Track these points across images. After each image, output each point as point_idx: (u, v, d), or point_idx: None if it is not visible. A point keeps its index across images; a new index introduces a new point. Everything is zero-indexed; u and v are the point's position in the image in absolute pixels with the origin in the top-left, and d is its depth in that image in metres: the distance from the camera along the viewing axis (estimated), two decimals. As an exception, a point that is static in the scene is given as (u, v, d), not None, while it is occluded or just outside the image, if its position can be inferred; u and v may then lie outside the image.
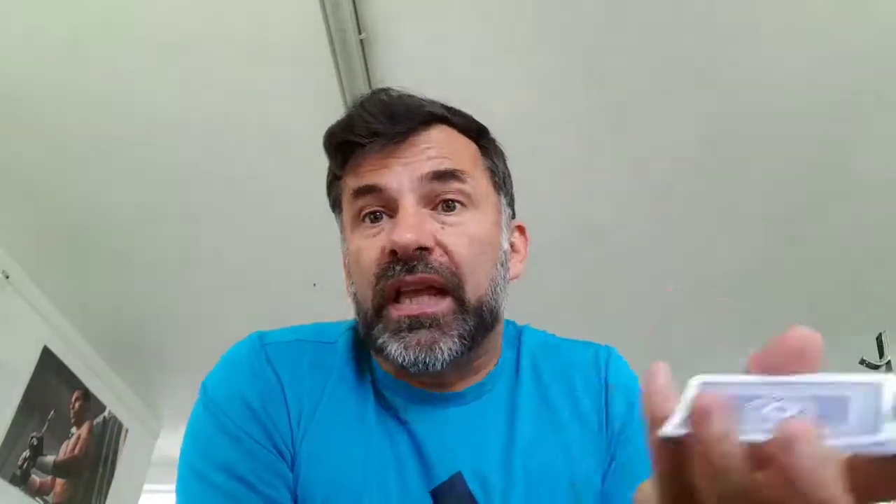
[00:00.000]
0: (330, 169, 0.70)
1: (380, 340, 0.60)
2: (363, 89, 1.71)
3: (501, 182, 0.70)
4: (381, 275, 0.60)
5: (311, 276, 2.53)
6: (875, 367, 2.07)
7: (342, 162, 0.66)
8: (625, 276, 2.49)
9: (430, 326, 0.59)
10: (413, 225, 0.59)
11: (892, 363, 2.04)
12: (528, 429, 0.64)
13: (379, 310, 0.61)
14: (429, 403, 0.65)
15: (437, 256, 0.60)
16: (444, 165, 0.62)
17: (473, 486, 0.60)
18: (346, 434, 0.63)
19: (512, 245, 0.71)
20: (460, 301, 0.60)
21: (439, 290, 0.60)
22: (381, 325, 0.60)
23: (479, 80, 1.78)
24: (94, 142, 1.98)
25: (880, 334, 2.12)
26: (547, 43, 1.74)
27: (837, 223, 2.29)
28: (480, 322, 0.61)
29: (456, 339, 0.59)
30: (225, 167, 2.08)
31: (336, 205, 0.72)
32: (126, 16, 1.65)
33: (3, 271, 2.33)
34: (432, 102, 0.67)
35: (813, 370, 0.23)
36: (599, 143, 2.03)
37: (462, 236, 0.61)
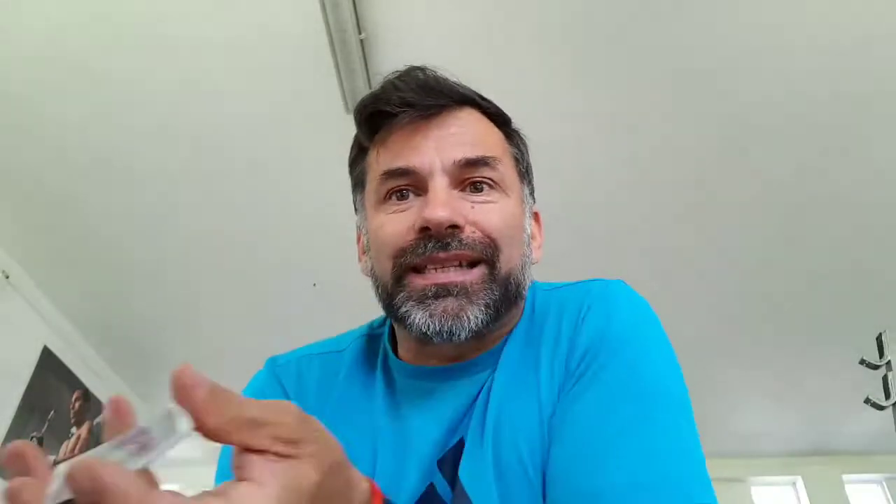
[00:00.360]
0: (354, 144, 0.70)
1: (402, 309, 0.59)
2: (363, 89, 1.71)
3: (525, 170, 0.70)
4: (409, 250, 0.60)
5: (310, 276, 2.53)
6: (875, 367, 2.07)
7: (371, 133, 0.66)
8: (624, 275, 2.49)
9: (458, 294, 0.58)
10: (445, 203, 0.59)
11: (892, 363, 2.04)
12: (500, 392, 0.62)
13: (399, 279, 0.60)
14: (443, 379, 0.64)
15: (469, 233, 0.60)
16: (477, 152, 0.63)
17: (466, 446, 0.60)
18: (351, 432, 0.63)
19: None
20: (492, 269, 0.60)
21: (470, 263, 0.60)
22: (403, 294, 0.60)
23: (480, 79, 1.78)
24: (95, 143, 1.98)
25: (880, 334, 2.11)
26: (548, 42, 1.75)
27: (837, 223, 2.29)
28: (506, 294, 0.61)
29: (482, 308, 0.59)
30: (225, 168, 2.08)
31: (359, 182, 0.70)
32: (125, 17, 1.65)
33: (3, 271, 2.33)
34: (463, 85, 0.67)
35: (131, 424, 0.31)
36: (600, 143, 2.03)
37: (493, 213, 0.62)
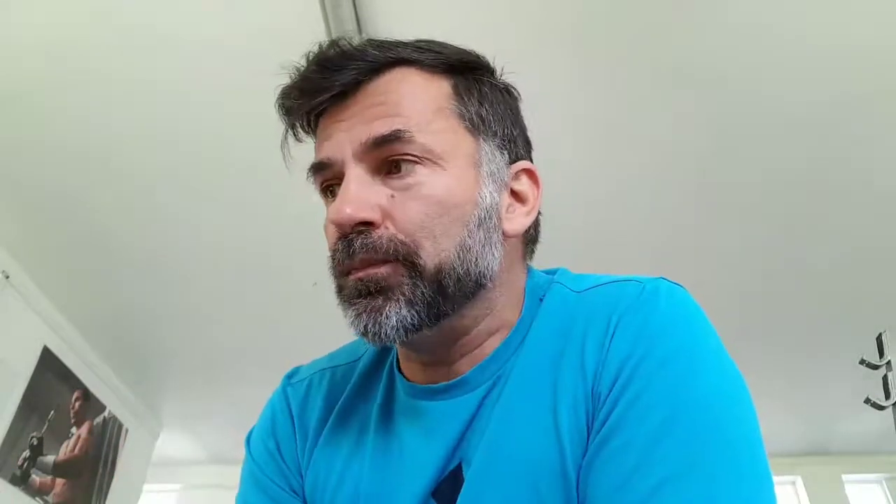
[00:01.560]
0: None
1: (343, 312, 0.56)
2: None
3: (479, 124, 0.58)
4: (332, 256, 0.55)
5: (310, 276, 2.53)
6: (875, 367, 2.07)
7: (293, 127, 0.61)
8: (625, 271, 2.49)
9: (376, 292, 0.52)
10: (352, 198, 0.52)
11: (892, 363, 2.03)
12: (504, 408, 0.54)
13: (338, 283, 0.56)
14: (434, 398, 0.58)
15: (382, 231, 0.52)
16: (384, 129, 0.53)
17: (467, 476, 0.54)
18: (347, 449, 0.62)
19: (517, 194, 0.60)
20: (412, 266, 0.52)
21: (383, 263, 0.53)
22: (341, 296, 0.56)
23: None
24: (95, 143, 1.98)
25: (880, 334, 2.11)
26: (548, 42, 1.74)
27: (838, 223, 2.29)
28: (441, 291, 0.53)
29: (403, 304, 0.52)
30: (225, 168, 2.08)
31: None
32: (125, 17, 1.65)
33: (3, 271, 2.33)
34: (389, 45, 0.57)
35: None
36: (600, 142, 2.03)
37: (413, 201, 0.53)
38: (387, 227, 0.53)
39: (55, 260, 2.46)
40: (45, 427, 2.60)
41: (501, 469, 0.51)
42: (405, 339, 0.53)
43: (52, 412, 2.64)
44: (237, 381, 3.29)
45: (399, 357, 0.64)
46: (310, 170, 0.59)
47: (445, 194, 0.54)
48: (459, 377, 0.58)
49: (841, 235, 2.34)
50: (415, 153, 0.54)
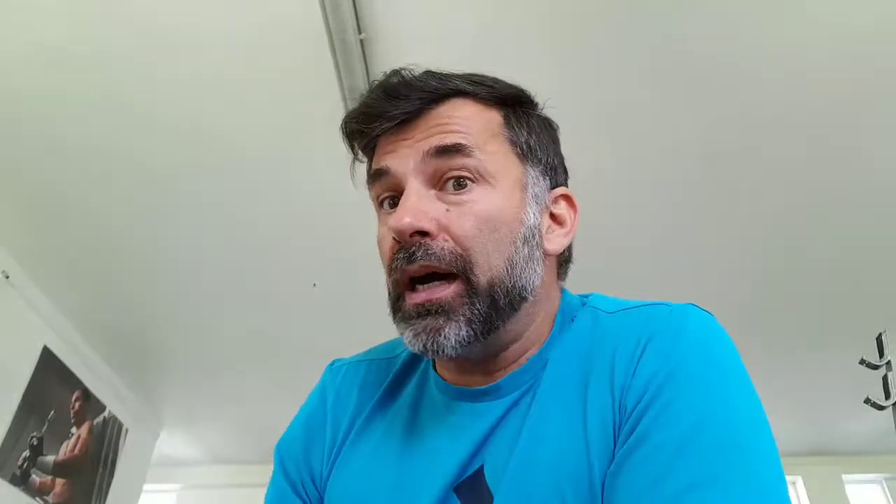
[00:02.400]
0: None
1: (399, 329, 0.59)
2: (363, 89, 1.71)
3: (527, 151, 0.64)
4: (391, 266, 0.58)
5: (310, 277, 2.53)
6: (875, 367, 2.07)
7: (359, 150, 0.65)
8: (625, 272, 2.49)
9: (436, 313, 0.56)
10: (411, 208, 0.56)
11: (892, 363, 2.03)
12: (535, 420, 0.57)
13: (397, 299, 0.59)
14: (465, 399, 0.62)
15: (440, 241, 0.56)
16: (448, 140, 0.59)
17: (491, 482, 0.56)
18: (380, 445, 0.64)
19: (555, 217, 0.65)
20: (469, 284, 0.56)
21: (446, 275, 0.56)
22: (399, 315, 0.58)
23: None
24: (95, 143, 1.98)
25: (880, 334, 2.11)
26: (548, 42, 1.75)
27: (838, 223, 2.29)
28: (493, 304, 0.57)
29: (463, 325, 0.55)
30: (225, 167, 2.08)
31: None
32: (125, 16, 1.65)
33: (3, 271, 2.33)
34: (447, 77, 0.63)
35: None
36: (600, 142, 2.03)
37: (468, 216, 0.57)
38: (445, 239, 0.56)
39: (55, 260, 2.46)
40: (45, 427, 2.60)
41: (531, 478, 0.54)
42: (458, 354, 0.56)
43: (52, 412, 2.64)
44: (237, 382, 3.29)
45: (436, 360, 0.67)
46: (369, 179, 0.62)
47: (497, 212, 0.58)
48: (493, 384, 0.61)
49: (841, 235, 2.34)
50: (471, 169, 0.59)
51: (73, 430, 2.81)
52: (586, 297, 0.68)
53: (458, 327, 0.55)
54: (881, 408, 1.98)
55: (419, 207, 0.56)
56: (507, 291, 0.57)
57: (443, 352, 0.55)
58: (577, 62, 1.79)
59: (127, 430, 3.26)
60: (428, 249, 0.56)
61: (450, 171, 0.58)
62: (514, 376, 0.60)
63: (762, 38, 1.71)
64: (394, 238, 0.57)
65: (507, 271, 0.58)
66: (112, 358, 3.05)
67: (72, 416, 2.80)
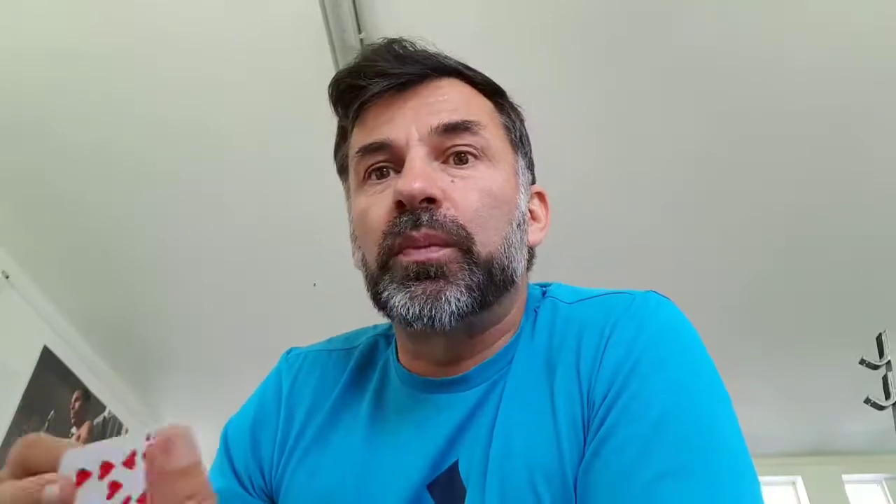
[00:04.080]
0: (338, 129, 0.66)
1: (385, 293, 0.55)
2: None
3: (518, 141, 0.64)
4: (388, 231, 0.55)
5: (311, 276, 2.53)
6: (875, 367, 2.07)
7: (347, 109, 0.62)
8: (623, 271, 2.49)
9: (436, 276, 0.53)
10: (420, 174, 0.54)
11: (892, 363, 2.04)
12: (506, 413, 0.55)
13: (384, 265, 0.56)
14: (433, 391, 0.60)
15: (445, 210, 0.55)
16: (456, 117, 0.58)
17: (465, 477, 0.54)
18: (344, 442, 0.61)
19: (531, 213, 0.65)
20: (468, 252, 0.55)
21: (443, 244, 0.54)
22: (387, 277, 0.55)
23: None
24: (95, 143, 1.98)
25: (880, 334, 2.12)
26: (549, 42, 1.75)
27: (838, 223, 2.29)
28: (490, 277, 0.55)
29: (464, 290, 0.53)
30: (225, 167, 2.09)
31: (343, 168, 0.66)
32: (125, 16, 1.65)
33: (3, 271, 2.33)
34: (447, 56, 0.62)
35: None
36: (602, 139, 2.03)
37: (472, 190, 0.56)
38: (448, 208, 0.55)
39: (55, 260, 2.46)
40: (45, 427, 2.60)
41: (505, 472, 0.52)
42: (453, 326, 0.54)
43: (52, 412, 2.64)
44: (237, 382, 3.29)
45: (400, 350, 0.65)
46: (361, 150, 0.59)
47: (499, 190, 0.58)
48: (462, 374, 0.59)
49: (841, 235, 2.34)
50: (477, 147, 0.58)
51: (73, 430, 2.81)
52: (545, 286, 0.67)
53: (460, 292, 0.53)
54: (881, 408, 1.98)
55: (427, 173, 0.55)
56: (503, 269, 0.57)
57: (440, 319, 0.53)
58: (577, 62, 1.79)
59: (127, 431, 3.26)
60: (434, 215, 0.54)
61: (455, 147, 0.58)
62: (483, 367, 0.59)
63: (762, 37, 1.71)
64: (397, 203, 0.55)
65: (504, 250, 0.57)
66: (112, 358, 3.05)
67: (72, 416, 2.79)
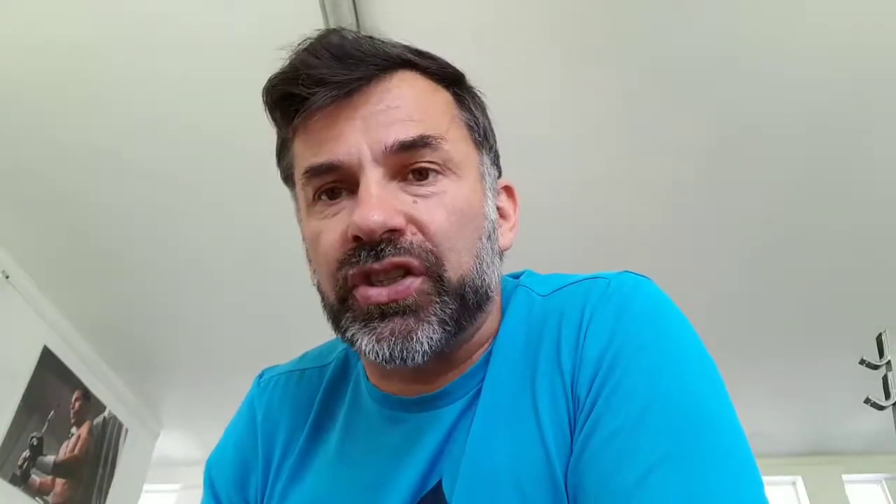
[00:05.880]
0: (278, 138, 0.59)
1: (349, 333, 0.51)
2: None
3: (482, 138, 0.58)
4: (345, 261, 0.50)
5: (311, 276, 2.53)
6: (875, 367, 2.07)
7: (285, 119, 0.54)
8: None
9: (404, 313, 0.49)
10: (378, 204, 0.48)
11: (892, 363, 2.03)
12: (482, 424, 0.52)
13: (343, 299, 0.51)
14: (410, 410, 0.56)
15: (409, 236, 0.49)
16: (413, 132, 0.51)
17: (449, 495, 0.51)
18: (321, 475, 0.58)
19: (500, 210, 0.60)
20: (438, 280, 0.50)
21: (411, 271, 0.49)
22: (348, 315, 0.51)
23: (480, 78, 1.78)
24: (95, 143, 1.98)
25: (880, 334, 2.11)
26: (549, 41, 1.74)
27: (838, 222, 2.29)
28: (463, 304, 0.51)
29: (436, 326, 0.49)
30: (225, 167, 2.08)
31: (288, 177, 0.59)
32: (125, 16, 1.65)
33: (3, 271, 2.33)
34: (395, 44, 0.54)
35: None
36: (602, 138, 2.03)
37: (438, 209, 0.51)
38: (414, 233, 0.50)
39: (55, 260, 2.46)
40: (45, 427, 2.60)
41: (487, 481, 0.49)
42: (426, 361, 0.50)
43: (52, 412, 2.64)
44: (237, 382, 3.29)
45: (368, 368, 0.61)
46: (308, 171, 0.53)
47: (466, 205, 0.53)
48: (440, 389, 0.55)
49: (841, 235, 2.34)
50: (439, 161, 0.52)
51: (73, 430, 2.81)
52: (517, 275, 0.63)
53: (432, 329, 0.49)
54: (881, 408, 1.98)
55: (386, 201, 0.49)
56: (476, 290, 0.52)
57: (412, 359, 0.49)
58: (577, 62, 1.79)
59: (127, 430, 3.26)
60: (398, 244, 0.49)
61: (414, 164, 0.51)
62: (464, 378, 0.55)
63: (762, 37, 1.71)
64: (353, 236, 0.49)
65: (476, 269, 0.52)
66: (112, 358, 3.05)
67: (72, 416, 2.79)
